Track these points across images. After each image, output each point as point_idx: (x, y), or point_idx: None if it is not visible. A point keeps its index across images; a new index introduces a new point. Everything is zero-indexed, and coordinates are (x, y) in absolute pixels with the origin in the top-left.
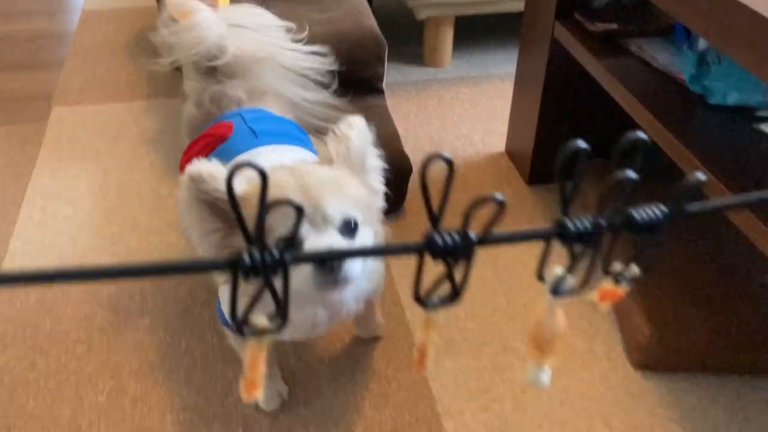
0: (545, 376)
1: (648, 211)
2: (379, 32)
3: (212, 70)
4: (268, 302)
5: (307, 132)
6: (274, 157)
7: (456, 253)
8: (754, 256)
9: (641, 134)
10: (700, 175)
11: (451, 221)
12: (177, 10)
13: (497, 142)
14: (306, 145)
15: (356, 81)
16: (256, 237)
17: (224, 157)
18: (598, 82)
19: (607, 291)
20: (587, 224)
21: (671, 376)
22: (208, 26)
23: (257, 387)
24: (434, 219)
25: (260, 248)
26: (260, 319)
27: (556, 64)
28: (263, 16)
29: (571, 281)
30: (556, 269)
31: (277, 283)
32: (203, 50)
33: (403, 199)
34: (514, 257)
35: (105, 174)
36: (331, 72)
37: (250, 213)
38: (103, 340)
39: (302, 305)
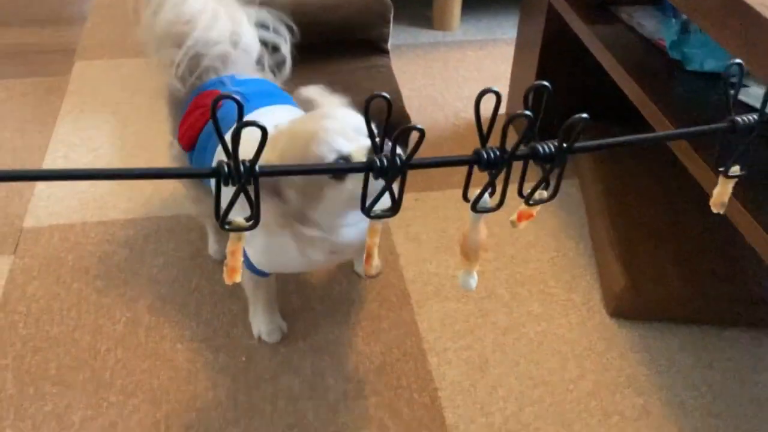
0: (473, 281)
1: (546, 146)
2: None
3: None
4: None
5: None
6: (272, 118)
7: (392, 171)
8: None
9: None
10: (584, 116)
11: (445, 181)
12: None
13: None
14: (291, 102)
15: (361, 41)
16: (234, 154)
17: (224, 124)
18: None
19: (523, 212)
20: (498, 153)
21: (643, 324)
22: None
23: (237, 272)
24: (378, 147)
25: (235, 162)
26: (238, 219)
27: (553, 29)
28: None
29: (489, 201)
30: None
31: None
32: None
33: None
34: (503, 215)
35: (124, 124)
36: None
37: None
38: (120, 277)
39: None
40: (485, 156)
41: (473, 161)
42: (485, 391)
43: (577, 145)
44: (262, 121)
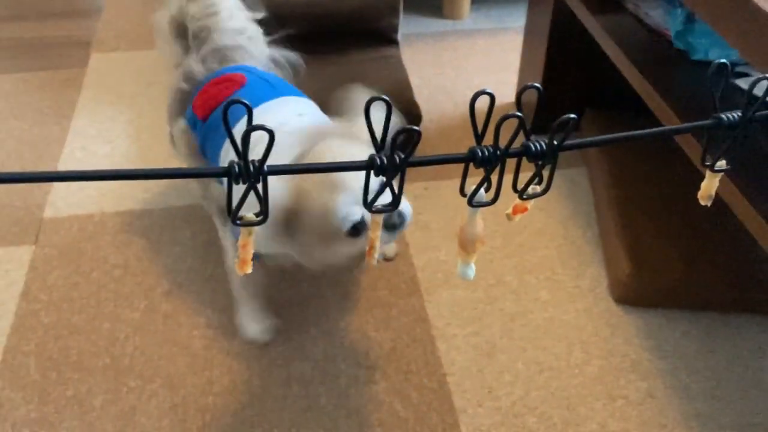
0: (470, 271)
1: (538, 144)
2: None
3: (185, 33)
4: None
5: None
6: (301, 107)
7: (392, 170)
8: None
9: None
10: (572, 116)
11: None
12: None
13: (508, 93)
14: (304, 96)
15: (371, 31)
16: (244, 155)
17: (250, 100)
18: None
19: (518, 206)
20: (491, 151)
21: (649, 310)
22: None
23: (247, 264)
24: (380, 146)
25: (245, 162)
26: (249, 214)
27: (561, 18)
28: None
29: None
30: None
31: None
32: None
33: None
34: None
35: (139, 116)
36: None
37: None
38: (138, 266)
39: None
40: (479, 154)
41: (468, 159)
42: (492, 376)
43: (567, 143)
44: (272, 117)
